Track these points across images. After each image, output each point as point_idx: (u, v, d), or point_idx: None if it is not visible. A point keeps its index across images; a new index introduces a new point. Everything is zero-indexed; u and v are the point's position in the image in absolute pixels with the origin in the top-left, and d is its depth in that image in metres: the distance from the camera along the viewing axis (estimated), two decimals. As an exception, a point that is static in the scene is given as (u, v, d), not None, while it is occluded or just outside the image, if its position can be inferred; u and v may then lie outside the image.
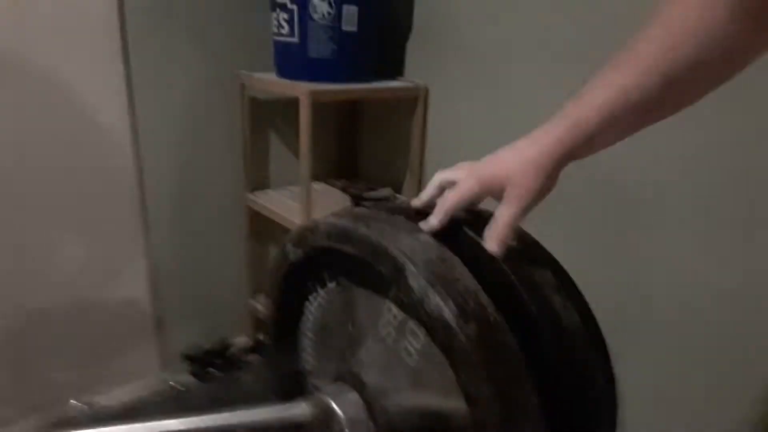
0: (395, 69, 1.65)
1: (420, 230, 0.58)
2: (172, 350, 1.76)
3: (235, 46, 1.62)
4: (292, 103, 1.44)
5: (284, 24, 1.43)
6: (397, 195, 1.71)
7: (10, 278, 1.49)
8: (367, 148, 1.90)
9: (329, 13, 1.38)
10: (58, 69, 1.40)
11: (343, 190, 1.73)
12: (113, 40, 1.45)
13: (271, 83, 1.55)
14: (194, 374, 1.70)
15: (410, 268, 0.52)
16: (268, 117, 1.75)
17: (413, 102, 1.58)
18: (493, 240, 0.56)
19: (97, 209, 1.55)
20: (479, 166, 0.61)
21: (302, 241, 0.67)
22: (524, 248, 0.60)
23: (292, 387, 0.77)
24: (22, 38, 1.34)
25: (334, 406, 0.60)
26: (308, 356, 0.76)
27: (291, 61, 1.47)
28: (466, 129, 1.53)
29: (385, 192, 1.66)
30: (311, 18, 1.39)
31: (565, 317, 0.55)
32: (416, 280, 0.51)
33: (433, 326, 0.50)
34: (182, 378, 1.70)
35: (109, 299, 1.64)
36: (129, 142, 1.55)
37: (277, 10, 1.44)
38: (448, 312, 0.49)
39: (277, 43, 1.49)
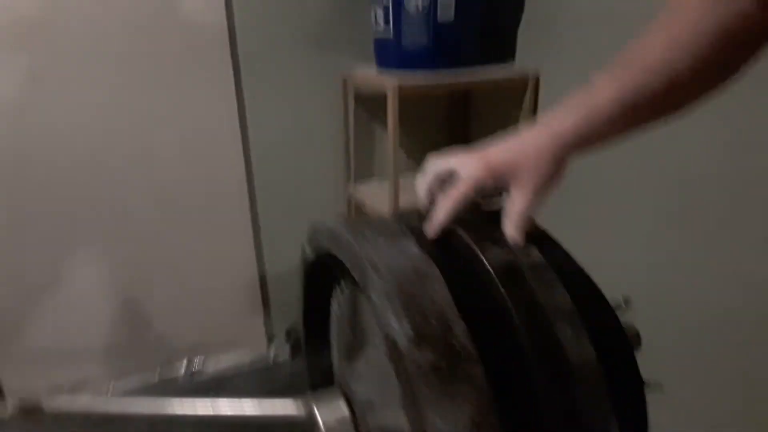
0: (504, 55, 1.54)
1: (410, 237, 0.52)
2: (278, 327, 1.90)
3: (340, 44, 1.63)
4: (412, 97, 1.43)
5: (381, 18, 1.42)
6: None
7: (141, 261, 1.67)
8: (477, 139, 1.80)
9: (423, 6, 1.33)
10: (173, 76, 1.52)
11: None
12: (223, 47, 1.54)
13: (368, 77, 1.54)
14: (293, 349, 1.85)
15: (372, 279, 0.46)
16: (371, 110, 1.74)
17: (522, 90, 1.47)
18: (511, 229, 0.53)
19: (209, 204, 1.69)
20: (486, 153, 0.56)
21: (311, 241, 0.64)
22: (538, 255, 0.51)
23: (325, 381, 0.76)
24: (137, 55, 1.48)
25: (317, 412, 0.57)
26: (333, 353, 0.75)
27: (387, 54, 1.45)
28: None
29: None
30: (405, 11, 1.35)
31: (573, 351, 0.45)
32: (376, 293, 0.45)
33: (387, 347, 0.44)
34: (282, 352, 1.90)
35: (222, 280, 1.79)
36: (239, 139, 1.64)
37: (375, 5, 1.44)
38: (399, 332, 0.42)
39: (376, 38, 1.48)
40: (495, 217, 0.55)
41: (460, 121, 1.83)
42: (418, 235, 0.54)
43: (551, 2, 1.41)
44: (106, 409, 0.64)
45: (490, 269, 0.48)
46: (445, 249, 0.52)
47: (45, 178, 1.50)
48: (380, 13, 1.42)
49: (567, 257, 0.52)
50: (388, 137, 1.39)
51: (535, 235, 0.53)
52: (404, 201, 1.50)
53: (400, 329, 0.42)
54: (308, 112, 1.69)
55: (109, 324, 1.73)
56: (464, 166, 0.56)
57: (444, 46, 1.38)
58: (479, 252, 0.49)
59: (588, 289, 0.49)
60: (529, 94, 1.46)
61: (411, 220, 0.56)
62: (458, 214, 0.54)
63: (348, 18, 1.61)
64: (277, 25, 1.56)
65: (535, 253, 0.50)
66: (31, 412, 0.63)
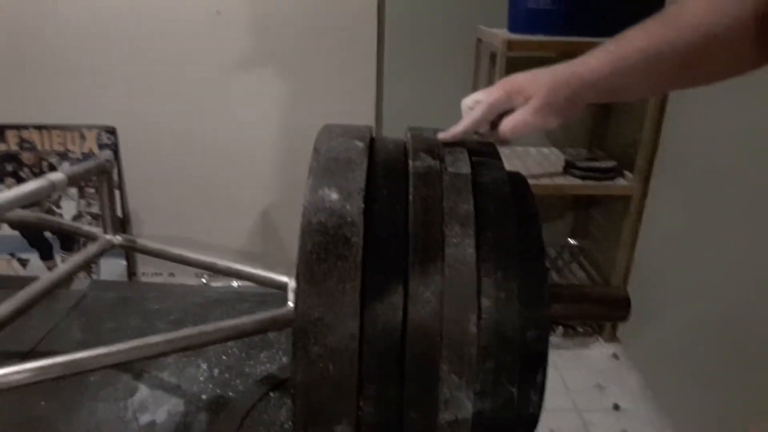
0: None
1: (366, 138, 0.60)
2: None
3: (474, 3, 1.66)
4: (537, 60, 1.43)
5: (513, -22, 1.43)
6: (625, 171, 1.53)
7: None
8: (615, 117, 1.73)
9: (550, -36, 1.32)
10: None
11: (567, 156, 1.63)
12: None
13: (495, 36, 1.55)
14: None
15: (312, 161, 0.55)
16: (508, 73, 1.75)
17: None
18: (505, 126, 0.59)
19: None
20: (508, 79, 0.62)
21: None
22: (466, 167, 0.55)
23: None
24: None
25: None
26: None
27: (515, 14, 1.46)
28: (714, 107, 1.27)
29: (606, 163, 1.50)
30: (533, -30, 1.35)
31: (454, 250, 0.49)
32: (310, 171, 0.54)
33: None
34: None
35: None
36: (373, 95, 1.78)
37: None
38: (307, 200, 0.51)
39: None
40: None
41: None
42: (386, 141, 0.61)
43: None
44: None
45: (411, 171, 0.54)
46: (390, 154, 0.58)
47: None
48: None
49: (500, 177, 0.56)
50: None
51: (484, 151, 0.58)
52: (521, 170, 1.51)
53: (310, 198, 0.51)
54: (443, 70, 1.76)
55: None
56: (486, 93, 0.62)
57: (570, 8, 1.35)
58: (412, 158, 0.56)
59: (502, 206, 0.53)
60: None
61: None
62: (472, 130, 0.61)
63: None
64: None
65: (464, 166, 0.55)
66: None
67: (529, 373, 0.50)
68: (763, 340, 1.10)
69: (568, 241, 1.91)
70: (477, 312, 0.48)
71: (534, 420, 0.52)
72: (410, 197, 0.52)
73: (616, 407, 1.49)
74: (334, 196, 0.51)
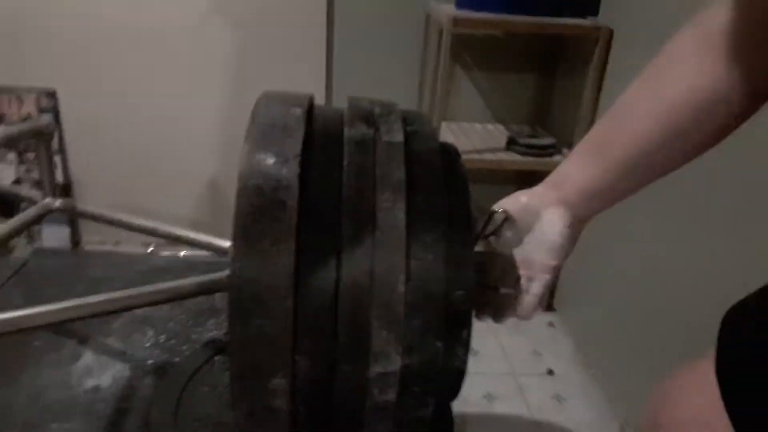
0: (585, 9, 1.50)
1: (304, 106, 0.61)
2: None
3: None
4: (484, 38, 1.47)
5: (461, -48, 1.45)
6: (564, 149, 1.59)
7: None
8: (557, 94, 1.79)
9: (498, -61, 1.34)
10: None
11: (510, 133, 1.68)
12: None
13: (442, 13, 1.56)
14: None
15: (249, 127, 0.56)
16: (456, 50, 1.78)
17: (593, 44, 1.43)
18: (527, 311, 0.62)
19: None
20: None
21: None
22: (400, 136, 0.57)
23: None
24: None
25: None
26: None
27: (463, -9, 1.48)
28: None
29: (543, 141, 1.56)
30: (481, -56, 1.37)
31: (385, 215, 0.52)
32: (246, 136, 0.56)
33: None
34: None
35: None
36: (323, 70, 1.78)
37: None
38: (243, 163, 0.53)
39: (457, -27, 1.52)
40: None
41: (546, 74, 1.81)
42: (325, 110, 0.63)
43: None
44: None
45: (346, 138, 0.56)
46: (327, 121, 0.60)
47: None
48: (461, -53, 1.45)
49: (432, 147, 0.58)
50: (439, 77, 1.45)
51: (418, 120, 0.60)
52: (461, 144, 1.55)
53: (246, 162, 0.53)
54: (390, 45, 1.78)
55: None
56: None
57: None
58: (347, 126, 0.58)
59: (433, 175, 0.56)
60: (598, 52, 1.42)
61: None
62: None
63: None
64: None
65: (398, 135, 0.57)
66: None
67: (454, 329, 0.53)
68: (685, 309, 1.19)
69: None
70: (405, 272, 0.51)
71: (460, 373, 0.56)
72: (345, 163, 0.54)
73: (550, 372, 1.57)
74: (271, 160, 0.52)
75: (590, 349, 1.57)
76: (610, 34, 1.41)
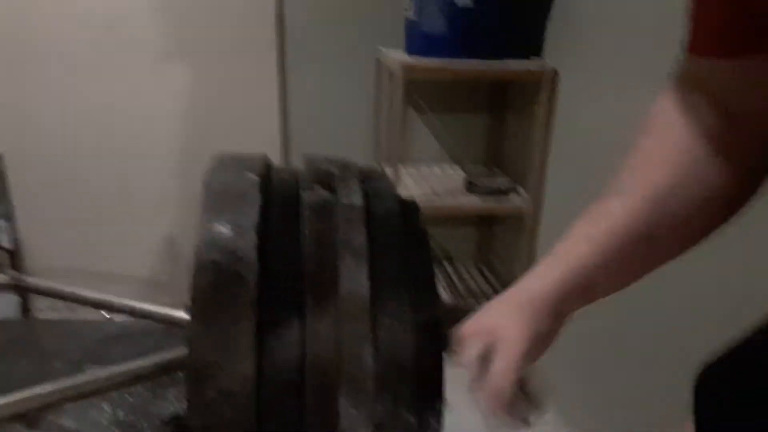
0: (529, 50, 1.55)
1: (261, 170, 0.60)
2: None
3: (377, 26, 1.71)
4: (436, 82, 1.50)
5: (409, 1, 1.48)
6: (519, 188, 1.61)
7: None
8: (508, 133, 1.83)
9: (443, -12, 1.38)
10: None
11: (467, 175, 1.70)
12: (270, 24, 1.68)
13: (393, 60, 1.59)
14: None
15: (203, 196, 0.54)
16: (408, 94, 1.81)
17: (536, 85, 1.47)
18: (487, 398, 0.50)
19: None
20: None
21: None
22: (359, 199, 0.56)
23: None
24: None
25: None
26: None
27: (411, 37, 1.51)
28: (598, 122, 1.36)
29: (500, 182, 1.58)
30: (427, -7, 1.41)
31: (347, 283, 0.50)
32: (201, 206, 0.54)
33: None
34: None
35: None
36: (276, 110, 1.77)
37: (406, -13, 1.50)
38: (201, 236, 0.50)
39: (406, 21, 1.55)
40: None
41: (497, 115, 1.85)
42: (281, 172, 0.61)
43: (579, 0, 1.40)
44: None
45: (305, 204, 0.55)
46: (284, 185, 0.59)
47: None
48: (408, -6, 1.49)
49: (392, 207, 0.57)
50: (397, 122, 1.46)
51: (376, 177, 0.60)
52: (421, 188, 1.56)
53: (202, 235, 0.50)
54: (343, 91, 1.79)
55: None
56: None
57: (463, 33, 1.42)
58: (304, 190, 0.56)
59: (394, 237, 0.55)
60: (544, 92, 1.46)
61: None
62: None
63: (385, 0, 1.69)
64: (319, 7, 1.68)
65: (357, 197, 0.56)
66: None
67: (427, 400, 0.51)
68: (645, 342, 1.19)
69: (475, 257, 1.99)
70: (372, 342, 0.49)
71: (435, 446, 0.54)
72: (305, 231, 0.52)
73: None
74: (227, 231, 0.50)
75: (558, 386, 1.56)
76: (555, 74, 1.45)
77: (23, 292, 1.62)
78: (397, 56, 1.48)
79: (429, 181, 1.66)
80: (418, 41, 1.47)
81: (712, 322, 1.01)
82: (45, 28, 1.63)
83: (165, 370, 0.60)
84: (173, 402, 0.84)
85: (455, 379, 0.53)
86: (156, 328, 1.02)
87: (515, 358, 0.50)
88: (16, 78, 1.67)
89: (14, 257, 1.82)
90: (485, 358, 0.51)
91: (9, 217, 1.79)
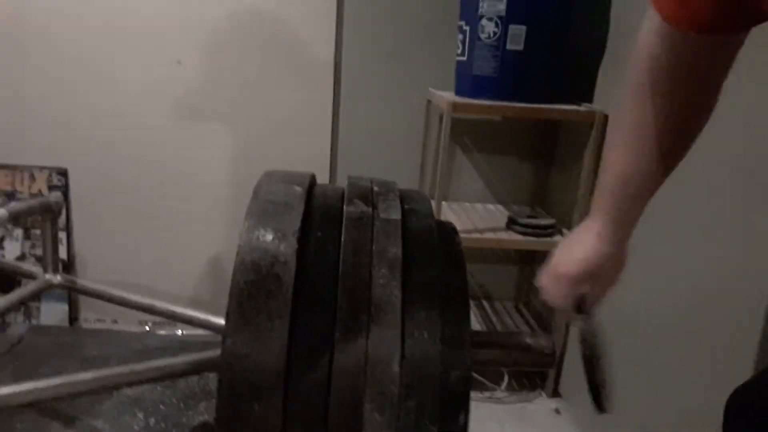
0: (580, 95, 1.56)
1: (306, 184, 0.62)
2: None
3: (427, 66, 1.76)
4: (483, 122, 1.53)
5: (460, 44, 1.52)
6: (563, 229, 1.60)
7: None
8: (556, 176, 1.82)
9: (495, 33, 1.41)
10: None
11: (510, 213, 1.70)
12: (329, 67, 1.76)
13: (442, 99, 1.61)
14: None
15: (250, 203, 0.57)
16: (456, 133, 1.83)
17: (588, 128, 1.47)
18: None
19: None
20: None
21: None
22: (397, 213, 0.58)
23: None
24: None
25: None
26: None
27: (461, 78, 1.54)
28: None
29: (543, 221, 1.57)
30: (479, 38, 1.44)
31: (380, 290, 0.52)
32: (247, 212, 0.57)
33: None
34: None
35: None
36: (327, 145, 1.83)
37: (458, 32, 1.55)
38: (242, 239, 0.53)
39: (457, 63, 1.58)
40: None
41: (545, 157, 1.85)
42: (326, 188, 0.64)
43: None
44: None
45: (345, 215, 0.57)
46: (327, 200, 0.61)
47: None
48: (459, 37, 1.53)
49: (428, 224, 0.59)
50: (440, 158, 1.48)
51: (416, 199, 0.61)
52: (462, 223, 1.58)
53: (245, 238, 0.53)
54: (393, 129, 1.83)
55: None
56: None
57: (513, 76, 1.44)
58: (346, 204, 0.59)
59: (429, 252, 0.56)
60: (594, 134, 1.46)
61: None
62: None
63: (436, 43, 1.74)
64: (374, 48, 1.75)
65: (395, 213, 0.58)
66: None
67: (451, 412, 0.52)
68: (692, 396, 1.15)
69: (515, 296, 1.97)
70: (400, 351, 0.50)
71: (456, 460, 0.53)
72: (342, 240, 0.54)
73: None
74: (269, 236, 0.53)
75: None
76: (605, 119, 1.45)
77: (76, 297, 1.69)
78: (447, 96, 1.52)
79: (471, 217, 1.66)
80: (468, 83, 1.50)
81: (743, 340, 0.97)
82: (122, 50, 1.75)
83: (199, 368, 0.63)
84: (203, 413, 0.86)
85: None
86: (194, 341, 1.05)
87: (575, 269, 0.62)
88: (88, 98, 1.79)
89: (68, 268, 1.91)
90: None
91: (68, 229, 1.89)
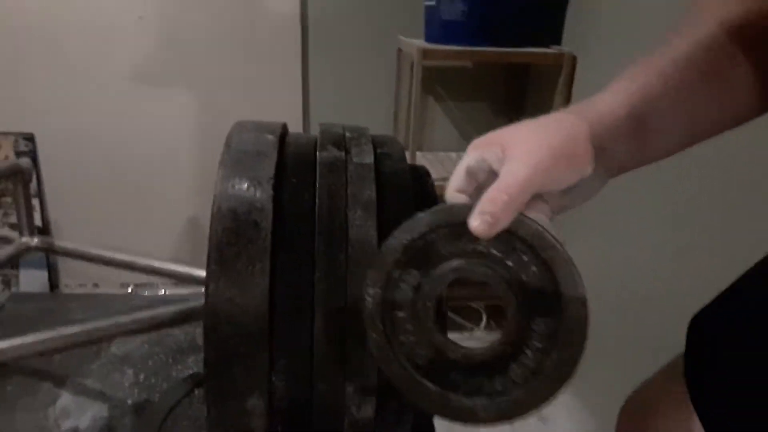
0: (548, 38, 1.56)
1: (277, 133, 0.63)
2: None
3: (396, 14, 1.74)
4: (455, 70, 1.52)
5: (428, -12, 1.51)
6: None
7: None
8: (528, 119, 1.84)
9: (462, -25, 1.41)
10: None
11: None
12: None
13: (412, 46, 1.61)
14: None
15: (223, 153, 0.58)
16: (428, 82, 1.83)
17: (555, 72, 1.49)
18: (479, 213, 0.40)
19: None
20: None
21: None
22: (370, 158, 0.59)
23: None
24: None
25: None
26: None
27: (430, 25, 1.54)
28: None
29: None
30: (446, -20, 1.43)
31: (356, 230, 0.53)
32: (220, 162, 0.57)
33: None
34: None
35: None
36: (298, 97, 1.82)
37: (426, -24, 1.53)
38: (218, 188, 0.54)
39: (425, 9, 1.57)
40: None
41: (515, 102, 1.87)
42: (298, 136, 0.65)
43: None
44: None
45: (318, 161, 0.58)
46: (300, 147, 0.62)
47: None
48: (427, -18, 1.51)
49: (401, 167, 0.60)
50: (411, 107, 1.49)
51: (388, 143, 0.62)
52: (437, 172, 1.59)
53: (220, 187, 0.54)
54: (364, 79, 1.82)
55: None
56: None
57: (482, 20, 1.44)
58: (319, 150, 0.59)
59: (402, 193, 0.58)
60: (563, 77, 1.48)
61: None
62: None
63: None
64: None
65: (368, 157, 0.59)
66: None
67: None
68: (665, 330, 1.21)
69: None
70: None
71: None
72: (317, 185, 0.56)
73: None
74: (244, 184, 0.54)
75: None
76: (574, 60, 1.46)
77: (55, 262, 1.68)
78: (416, 43, 1.51)
79: (446, 165, 1.69)
80: (437, 29, 1.50)
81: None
82: (83, 6, 1.70)
83: (185, 317, 0.64)
84: (192, 367, 0.88)
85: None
86: (178, 300, 1.06)
87: (518, 177, 0.41)
88: (49, 61, 1.73)
89: (44, 234, 1.89)
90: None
91: (40, 195, 1.87)
